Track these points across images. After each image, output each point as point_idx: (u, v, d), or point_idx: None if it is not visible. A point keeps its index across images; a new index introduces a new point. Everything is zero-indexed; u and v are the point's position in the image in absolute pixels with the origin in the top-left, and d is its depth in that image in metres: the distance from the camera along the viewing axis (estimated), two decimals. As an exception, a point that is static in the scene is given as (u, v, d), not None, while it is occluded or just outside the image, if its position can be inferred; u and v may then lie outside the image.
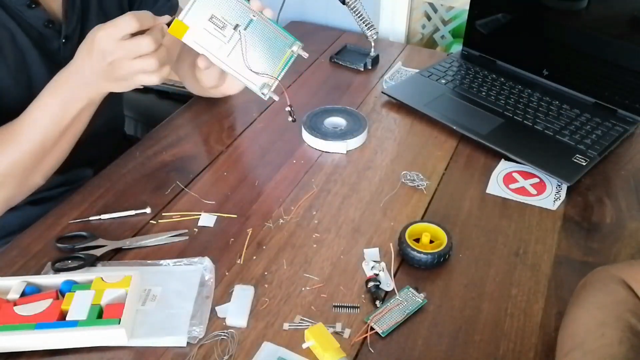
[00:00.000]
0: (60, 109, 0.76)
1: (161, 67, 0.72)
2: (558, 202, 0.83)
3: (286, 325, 0.66)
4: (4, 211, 0.80)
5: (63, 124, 0.76)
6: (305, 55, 0.79)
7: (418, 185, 0.86)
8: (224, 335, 0.65)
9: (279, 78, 0.78)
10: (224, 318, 0.66)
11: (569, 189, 0.85)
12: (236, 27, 0.76)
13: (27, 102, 0.78)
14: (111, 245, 0.74)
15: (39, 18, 0.81)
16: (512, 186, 0.86)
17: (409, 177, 0.87)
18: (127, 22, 0.70)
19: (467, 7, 1.13)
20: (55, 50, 0.85)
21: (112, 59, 0.70)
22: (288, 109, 0.81)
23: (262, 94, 0.79)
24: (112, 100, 0.96)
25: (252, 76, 0.78)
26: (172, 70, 1.06)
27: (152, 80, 0.73)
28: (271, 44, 0.78)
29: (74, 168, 0.95)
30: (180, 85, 1.32)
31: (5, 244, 0.78)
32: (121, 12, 0.91)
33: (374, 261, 0.73)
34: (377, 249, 0.75)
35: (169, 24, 0.75)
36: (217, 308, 0.67)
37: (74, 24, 0.85)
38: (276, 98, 0.80)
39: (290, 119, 0.82)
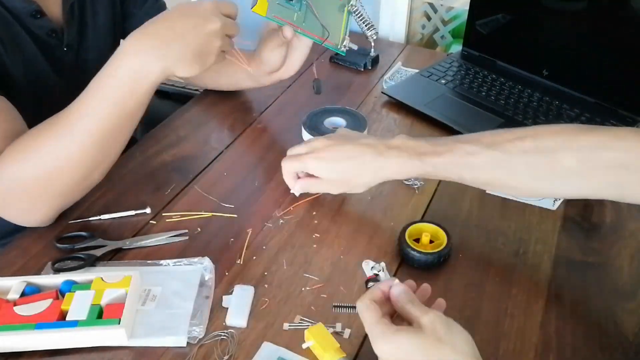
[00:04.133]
0: (124, 90, 0.69)
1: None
2: (558, 202, 0.83)
3: (286, 326, 0.66)
4: (62, 207, 0.76)
5: (124, 109, 0.70)
6: (360, 3, 0.91)
7: (412, 184, 0.85)
8: (224, 335, 0.65)
9: (348, 31, 0.90)
10: (224, 318, 0.66)
11: (569, 189, 0.85)
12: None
13: (33, 102, 0.78)
14: (111, 245, 0.74)
15: (43, 27, 0.83)
16: (512, 186, 0.86)
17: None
18: (233, 4, 0.75)
19: (467, 7, 1.13)
20: (59, 57, 0.86)
21: (211, 29, 0.71)
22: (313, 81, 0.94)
23: (343, 46, 0.90)
24: None
25: (328, 35, 0.87)
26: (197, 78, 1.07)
27: (215, 60, 0.75)
28: (331, 4, 0.88)
29: None
30: (180, 85, 1.33)
31: (4, 244, 0.78)
32: (113, 20, 0.92)
33: (374, 261, 0.73)
34: (377, 249, 0.75)
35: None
36: (223, 297, 0.68)
37: (74, 33, 0.87)
38: (355, 47, 0.92)
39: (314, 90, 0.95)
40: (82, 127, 0.69)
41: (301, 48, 0.88)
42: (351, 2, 0.88)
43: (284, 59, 0.89)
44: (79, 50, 0.89)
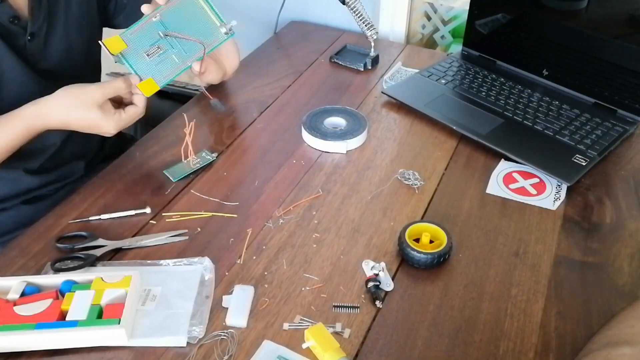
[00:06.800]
0: (22, 130, 0.79)
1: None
2: (558, 202, 0.83)
3: (286, 325, 0.66)
4: None
5: (13, 144, 0.80)
6: (234, 23, 0.86)
7: (412, 184, 0.86)
8: (224, 335, 0.65)
9: (218, 15, 0.86)
10: (224, 318, 0.66)
11: (568, 189, 0.85)
12: (165, 36, 0.83)
13: None
14: (111, 245, 0.74)
15: (3, 13, 0.81)
16: (512, 186, 0.86)
17: (405, 175, 0.87)
18: (117, 83, 0.81)
19: (467, 7, 1.13)
20: (22, 46, 0.85)
21: (103, 132, 0.81)
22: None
23: (229, 30, 0.86)
24: None
25: (204, 48, 0.85)
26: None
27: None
28: (190, 9, 0.84)
29: (65, 164, 0.95)
30: (180, 85, 1.32)
31: (4, 243, 0.78)
32: (88, 12, 0.92)
33: (374, 261, 0.73)
34: (377, 249, 0.75)
35: None
36: (223, 297, 0.68)
37: (40, 21, 0.85)
38: (234, 22, 0.86)
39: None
40: None
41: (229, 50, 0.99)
42: (221, 30, 0.85)
43: (220, 70, 0.96)
44: (47, 39, 0.88)
